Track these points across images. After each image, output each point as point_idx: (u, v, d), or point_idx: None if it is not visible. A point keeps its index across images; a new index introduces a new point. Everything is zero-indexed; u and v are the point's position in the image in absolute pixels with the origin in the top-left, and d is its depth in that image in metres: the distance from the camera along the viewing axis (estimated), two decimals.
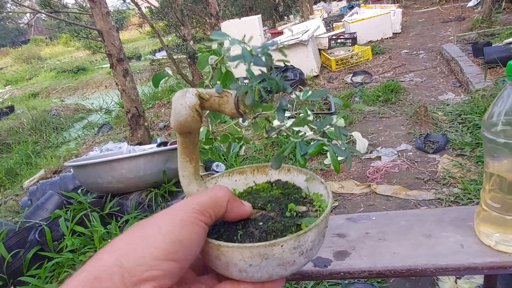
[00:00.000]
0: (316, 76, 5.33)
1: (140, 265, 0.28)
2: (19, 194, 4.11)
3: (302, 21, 7.97)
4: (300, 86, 4.77)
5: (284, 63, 0.38)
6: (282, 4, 10.52)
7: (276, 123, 0.75)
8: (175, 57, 5.64)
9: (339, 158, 0.39)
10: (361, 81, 4.79)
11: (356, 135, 0.93)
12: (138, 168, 2.49)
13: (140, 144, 3.65)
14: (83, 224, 2.40)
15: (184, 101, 0.35)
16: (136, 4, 4.52)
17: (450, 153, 2.66)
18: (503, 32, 4.89)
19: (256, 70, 0.38)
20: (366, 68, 5.37)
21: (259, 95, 0.37)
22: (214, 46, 0.37)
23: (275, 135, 0.41)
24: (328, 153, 0.39)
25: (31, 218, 2.52)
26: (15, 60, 17.36)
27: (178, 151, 0.39)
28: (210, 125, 0.74)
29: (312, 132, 0.40)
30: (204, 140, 0.73)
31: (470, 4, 8.15)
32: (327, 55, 5.81)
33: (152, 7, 6.42)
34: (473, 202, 2.04)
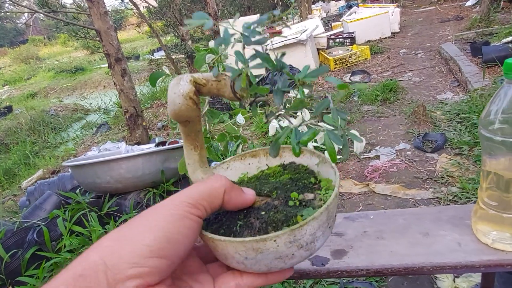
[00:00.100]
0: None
1: (124, 263, 0.28)
2: (17, 194, 4.10)
3: (301, 21, 7.97)
4: (299, 86, 4.76)
5: (271, 69, 0.37)
6: (280, 4, 10.52)
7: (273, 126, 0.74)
8: (173, 57, 5.64)
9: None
10: (359, 81, 4.80)
11: (353, 133, 0.93)
12: (136, 168, 2.48)
13: (138, 144, 3.64)
14: (81, 224, 2.40)
15: (177, 89, 0.34)
16: (134, 4, 4.52)
17: (449, 152, 2.67)
18: (501, 32, 4.90)
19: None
20: (364, 67, 5.37)
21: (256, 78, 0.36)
22: (194, 24, 0.35)
23: (274, 120, 0.40)
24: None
25: (29, 218, 2.51)
26: (13, 60, 17.33)
27: (182, 139, 0.39)
28: (207, 124, 0.74)
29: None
30: None
31: (468, 3, 8.17)
32: (325, 55, 5.82)
33: (151, 7, 6.42)
34: (471, 201, 2.04)
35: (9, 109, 8.55)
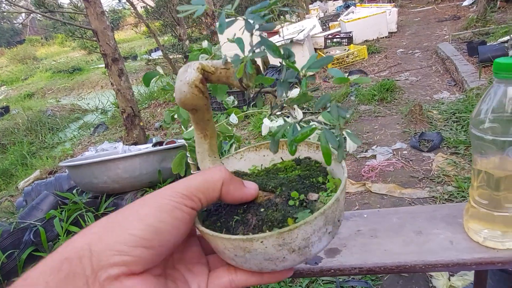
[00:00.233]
0: (312, 75, 5.34)
1: (109, 250, 0.28)
2: (14, 195, 4.09)
3: (298, 21, 7.98)
4: (296, 86, 4.77)
5: (280, 62, 0.36)
6: (278, 3, 10.51)
7: (266, 124, 0.75)
8: (171, 57, 5.63)
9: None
10: None
11: (350, 133, 0.94)
12: (133, 168, 2.48)
13: (135, 144, 3.64)
14: (78, 225, 2.40)
15: (184, 77, 0.33)
16: (132, 4, 4.51)
17: (445, 152, 2.68)
18: (497, 31, 4.92)
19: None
20: (362, 67, 5.38)
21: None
22: (187, 12, 0.34)
23: (267, 119, 0.39)
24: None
25: (26, 219, 2.51)
26: (10, 61, 17.27)
27: (193, 127, 0.38)
28: None
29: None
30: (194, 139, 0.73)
31: (465, 3, 8.19)
32: (323, 55, 5.83)
33: (148, 7, 6.41)
34: (467, 199, 2.04)
35: (6, 109, 8.53)
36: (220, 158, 0.42)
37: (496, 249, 0.67)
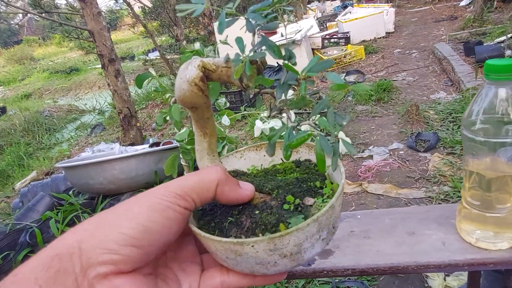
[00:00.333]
0: (312, 80, 5.34)
1: (98, 248, 0.28)
2: (10, 196, 4.07)
3: (296, 21, 7.98)
4: (294, 86, 4.77)
5: (277, 63, 0.35)
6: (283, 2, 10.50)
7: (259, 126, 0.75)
8: (168, 57, 5.62)
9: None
10: (354, 81, 4.81)
11: (346, 140, 0.94)
12: (129, 169, 2.48)
13: (132, 144, 3.63)
14: (74, 226, 2.39)
15: (184, 74, 0.33)
16: (128, 4, 4.51)
17: (441, 152, 2.68)
18: (494, 31, 4.93)
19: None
20: (359, 67, 5.39)
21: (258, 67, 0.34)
22: (185, 12, 0.34)
23: (278, 114, 0.38)
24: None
25: (21, 220, 2.50)
26: (8, 61, 17.22)
27: (193, 125, 0.38)
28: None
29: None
30: (187, 140, 0.73)
31: (462, 3, 8.21)
32: (320, 55, 5.83)
33: (145, 7, 6.40)
34: None
35: (3, 110, 8.50)
36: (219, 156, 0.42)
37: (488, 250, 0.67)
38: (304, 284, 1.68)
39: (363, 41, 6.81)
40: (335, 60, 5.62)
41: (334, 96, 3.79)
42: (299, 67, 0.35)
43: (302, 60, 5.33)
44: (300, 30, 5.64)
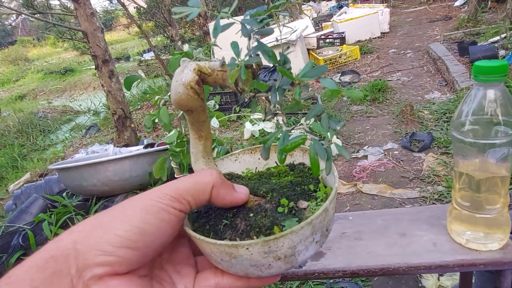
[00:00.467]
0: (306, 85, 5.35)
1: (94, 250, 0.28)
2: (4, 198, 4.04)
3: (291, 21, 7.99)
4: (290, 86, 4.77)
5: (273, 63, 0.36)
6: (271, 4, 10.52)
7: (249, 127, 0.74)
8: (163, 57, 5.61)
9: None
10: (349, 81, 4.82)
11: (339, 144, 0.94)
12: (123, 170, 2.46)
13: (126, 145, 3.61)
14: (68, 228, 2.37)
15: (180, 77, 0.33)
16: (123, 5, 4.49)
17: (435, 152, 2.69)
18: (488, 31, 4.96)
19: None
20: (354, 67, 5.40)
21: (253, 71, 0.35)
22: (181, 14, 0.34)
23: (273, 118, 0.39)
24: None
25: (14, 222, 2.48)
26: (1, 62, 17.09)
27: (188, 128, 0.38)
28: (182, 128, 0.73)
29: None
30: (176, 143, 0.72)
31: (457, 3, 8.26)
32: (315, 55, 5.84)
33: (140, 7, 6.38)
34: None
35: None
36: (214, 159, 0.42)
37: (479, 251, 0.67)
38: (299, 285, 1.68)
39: (358, 41, 6.83)
40: (331, 60, 5.63)
41: (327, 99, 3.79)
42: (294, 67, 0.35)
43: (297, 61, 5.34)
44: (295, 30, 5.64)
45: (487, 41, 4.59)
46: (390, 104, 3.82)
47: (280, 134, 0.35)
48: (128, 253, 0.29)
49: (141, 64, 7.20)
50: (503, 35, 4.43)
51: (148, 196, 0.32)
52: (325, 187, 0.40)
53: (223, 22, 0.34)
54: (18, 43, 21.16)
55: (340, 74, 5.11)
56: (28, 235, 2.27)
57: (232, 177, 0.44)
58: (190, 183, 0.33)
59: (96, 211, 2.49)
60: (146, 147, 3.02)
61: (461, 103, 0.62)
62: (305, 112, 0.37)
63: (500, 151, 0.59)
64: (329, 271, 0.72)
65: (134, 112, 5.92)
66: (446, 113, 3.21)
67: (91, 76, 10.31)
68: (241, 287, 0.35)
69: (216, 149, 0.68)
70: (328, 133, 0.34)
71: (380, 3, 9.14)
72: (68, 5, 4.00)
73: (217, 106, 0.70)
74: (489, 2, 6.62)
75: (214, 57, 4.53)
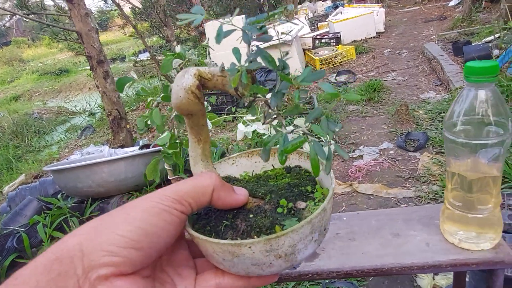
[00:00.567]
0: (306, 89, 5.36)
1: (99, 250, 0.29)
2: None
3: (287, 21, 7.99)
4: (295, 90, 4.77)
5: (272, 69, 0.36)
6: (267, 4, 10.54)
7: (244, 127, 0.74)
8: (158, 58, 5.59)
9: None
10: (345, 81, 4.83)
11: (335, 146, 0.94)
12: (119, 171, 2.45)
13: (122, 147, 3.60)
14: (63, 230, 2.36)
15: (181, 82, 0.34)
16: (118, 5, 4.47)
17: (430, 151, 2.70)
18: (482, 31, 4.99)
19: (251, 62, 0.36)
20: (350, 67, 5.41)
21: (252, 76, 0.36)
22: (186, 21, 0.35)
23: (272, 122, 0.40)
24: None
25: (9, 225, 2.46)
26: None
27: (187, 131, 0.39)
28: (175, 130, 0.73)
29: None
30: (168, 144, 0.72)
31: (451, 3, 8.30)
32: (311, 55, 5.84)
33: (135, 8, 6.35)
34: None
35: None
36: (213, 162, 0.43)
37: (471, 251, 0.67)
38: (295, 285, 1.68)
39: (354, 41, 6.85)
40: (326, 60, 5.64)
41: (323, 100, 3.79)
42: (290, 67, 0.36)
43: (293, 61, 5.34)
44: (291, 31, 5.65)
45: (481, 41, 4.62)
46: (386, 104, 3.83)
47: (281, 137, 0.36)
48: (133, 253, 0.29)
49: (136, 64, 7.18)
50: (497, 35, 4.46)
51: (150, 198, 0.33)
52: (322, 188, 0.41)
53: (207, 29, 0.34)
54: (12, 43, 21.03)
55: (335, 74, 5.12)
56: (23, 237, 2.26)
57: (230, 180, 0.45)
58: (191, 186, 0.34)
59: (91, 213, 2.48)
60: (141, 148, 3.01)
61: (452, 103, 0.63)
62: (301, 112, 0.38)
63: (491, 151, 0.60)
64: (323, 272, 0.73)
65: (129, 113, 5.90)
66: (441, 113, 3.22)
67: (86, 77, 10.27)
68: (241, 287, 0.36)
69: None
70: (327, 135, 0.35)
71: (375, 3, 9.18)
72: (63, 6, 3.98)
73: (209, 108, 0.70)
74: (483, 2, 6.65)
75: (209, 58, 4.52)
